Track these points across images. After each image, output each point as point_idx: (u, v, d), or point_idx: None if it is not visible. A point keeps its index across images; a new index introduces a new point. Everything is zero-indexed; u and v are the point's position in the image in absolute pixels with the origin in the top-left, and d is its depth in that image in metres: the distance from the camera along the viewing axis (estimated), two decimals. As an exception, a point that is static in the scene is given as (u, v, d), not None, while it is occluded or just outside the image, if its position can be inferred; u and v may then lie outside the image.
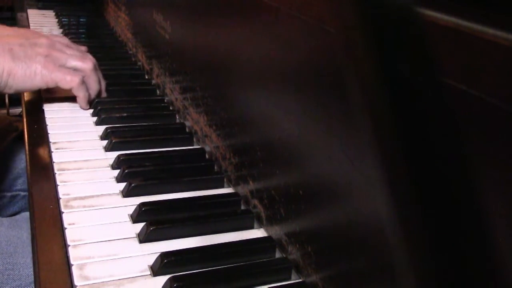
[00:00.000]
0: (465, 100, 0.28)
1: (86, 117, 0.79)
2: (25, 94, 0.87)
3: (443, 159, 0.30)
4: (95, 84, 0.81)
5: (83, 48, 0.86)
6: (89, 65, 0.79)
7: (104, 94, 0.84)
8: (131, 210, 0.56)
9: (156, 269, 0.47)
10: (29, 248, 0.66)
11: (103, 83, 0.85)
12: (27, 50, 0.74)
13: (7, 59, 0.71)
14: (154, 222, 0.52)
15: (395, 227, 0.28)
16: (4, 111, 1.43)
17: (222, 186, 0.63)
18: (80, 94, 0.78)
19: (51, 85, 0.75)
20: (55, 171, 0.62)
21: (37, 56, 0.74)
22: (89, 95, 0.81)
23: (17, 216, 0.89)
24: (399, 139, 0.29)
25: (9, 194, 0.94)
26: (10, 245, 0.73)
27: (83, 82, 0.77)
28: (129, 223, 0.54)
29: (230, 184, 0.62)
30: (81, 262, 0.47)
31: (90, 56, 0.82)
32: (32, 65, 0.73)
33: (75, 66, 0.78)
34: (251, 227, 0.56)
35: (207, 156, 0.69)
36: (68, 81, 0.75)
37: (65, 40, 0.85)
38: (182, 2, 0.75)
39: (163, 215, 0.55)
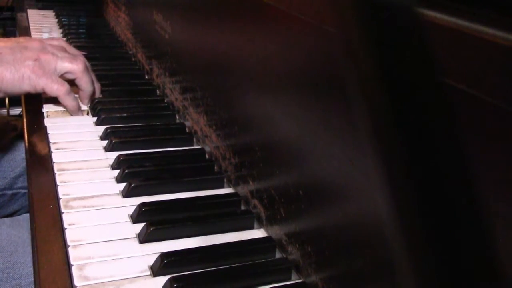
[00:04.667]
0: (465, 100, 0.28)
1: (86, 117, 0.79)
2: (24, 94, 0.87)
3: (443, 159, 0.30)
4: (87, 85, 0.81)
5: (79, 52, 0.86)
6: (80, 66, 0.78)
7: (98, 95, 0.84)
8: (131, 210, 0.56)
9: (156, 270, 0.47)
10: (29, 248, 0.66)
11: (97, 85, 0.84)
12: (16, 54, 0.73)
13: None
14: (154, 223, 0.52)
15: (395, 227, 0.28)
16: (4, 111, 1.43)
17: (222, 186, 0.63)
18: (67, 103, 0.77)
19: (38, 90, 0.74)
20: (55, 171, 0.62)
21: (26, 60, 0.73)
22: (83, 96, 0.81)
23: (19, 216, 0.90)
24: (399, 139, 0.29)
25: (9, 192, 0.94)
26: (10, 244, 0.73)
27: (70, 92, 0.77)
28: (129, 224, 0.54)
29: (230, 184, 0.62)
30: (81, 263, 0.47)
31: (82, 58, 0.81)
32: (20, 69, 0.73)
33: (66, 68, 0.77)
34: (251, 227, 0.56)
35: (207, 156, 0.69)
36: (54, 89, 0.75)
37: (62, 42, 0.85)
38: (182, 2, 0.75)
39: (163, 216, 0.55)
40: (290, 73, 0.47)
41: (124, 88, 0.91)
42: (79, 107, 0.80)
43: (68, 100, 0.77)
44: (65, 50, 0.82)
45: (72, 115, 0.79)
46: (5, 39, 0.79)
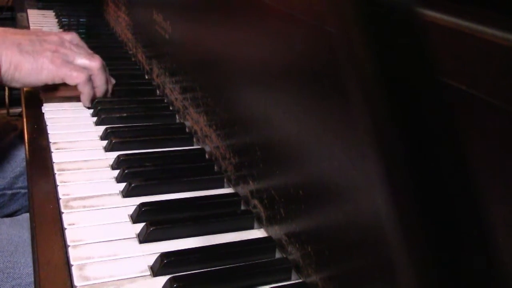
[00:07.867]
0: (465, 100, 0.28)
1: (86, 117, 0.79)
2: (25, 94, 0.88)
3: (443, 159, 0.30)
4: (102, 83, 0.81)
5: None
6: (97, 63, 0.79)
7: (109, 95, 0.85)
8: (131, 210, 0.56)
9: (156, 270, 0.47)
10: (29, 248, 0.66)
11: (111, 84, 0.85)
12: (35, 45, 0.74)
13: (15, 52, 0.72)
14: (154, 222, 0.52)
15: (395, 227, 0.28)
16: (4, 111, 1.43)
17: (222, 186, 0.63)
18: (85, 91, 0.78)
19: (57, 80, 0.75)
20: (55, 171, 0.62)
21: (45, 51, 0.74)
22: (95, 93, 0.81)
23: (19, 216, 0.89)
24: (399, 139, 0.29)
25: (9, 192, 0.94)
26: (11, 244, 0.73)
27: (90, 79, 0.78)
28: (129, 223, 0.54)
29: (230, 184, 0.62)
30: (81, 263, 0.47)
31: (98, 56, 0.82)
32: (39, 59, 0.73)
33: (83, 64, 0.78)
34: (251, 227, 0.56)
35: (207, 156, 0.69)
36: (74, 77, 0.75)
37: (76, 38, 0.85)
38: (182, 2, 0.75)
39: (163, 215, 0.55)
40: (290, 73, 0.47)
41: (124, 88, 0.91)
42: (94, 99, 0.81)
43: (87, 88, 0.78)
44: (80, 46, 0.82)
45: (84, 106, 0.80)
46: (23, 30, 0.80)
